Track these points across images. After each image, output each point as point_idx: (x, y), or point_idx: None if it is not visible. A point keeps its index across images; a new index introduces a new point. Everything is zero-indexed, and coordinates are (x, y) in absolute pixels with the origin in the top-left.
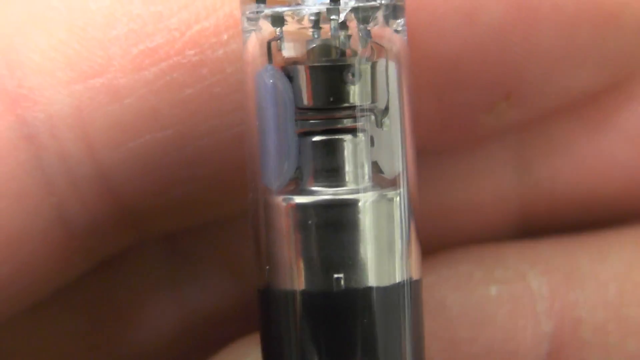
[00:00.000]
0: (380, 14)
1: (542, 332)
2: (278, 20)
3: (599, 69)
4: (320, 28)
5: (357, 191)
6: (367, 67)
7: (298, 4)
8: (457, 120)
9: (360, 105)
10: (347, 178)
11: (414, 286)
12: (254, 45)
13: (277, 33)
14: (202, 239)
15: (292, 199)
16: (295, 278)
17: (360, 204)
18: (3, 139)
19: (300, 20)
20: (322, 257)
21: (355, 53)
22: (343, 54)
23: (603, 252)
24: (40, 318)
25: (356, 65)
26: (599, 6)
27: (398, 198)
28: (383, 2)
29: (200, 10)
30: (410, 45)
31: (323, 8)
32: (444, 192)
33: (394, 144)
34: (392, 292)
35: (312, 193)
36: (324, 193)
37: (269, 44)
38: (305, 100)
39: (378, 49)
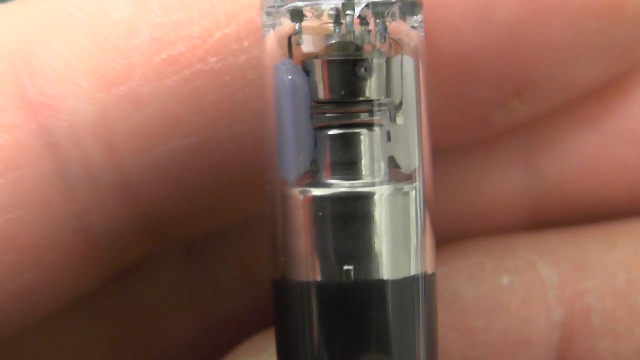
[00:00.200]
0: (396, 10)
1: (553, 320)
2: (297, 15)
3: (604, 61)
4: (340, 23)
5: (372, 184)
6: (381, 62)
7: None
8: (470, 117)
9: (374, 100)
10: (362, 171)
11: (429, 279)
12: (272, 40)
13: (296, 28)
14: (219, 244)
15: (308, 191)
16: (311, 269)
17: (376, 196)
18: (26, 148)
19: (319, 16)
20: (337, 249)
21: (374, 48)
22: (358, 48)
23: (611, 241)
24: (59, 325)
25: (369, 60)
26: None
27: (414, 192)
28: None
29: (221, 18)
30: (428, 42)
31: (339, 3)
32: (454, 192)
33: (410, 139)
34: (407, 285)
35: (328, 186)
36: (340, 186)
37: (289, 38)
38: (320, 93)
39: (395, 45)
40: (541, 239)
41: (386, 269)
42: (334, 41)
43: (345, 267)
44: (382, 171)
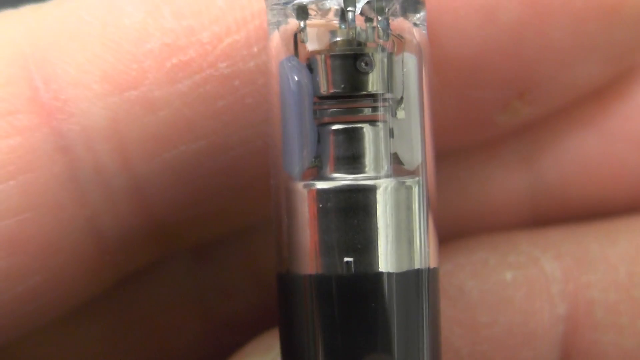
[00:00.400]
0: (398, 7)
1: (557, 314)
2: (302, 13)
3: (604, 62)
4: (345, 20)
5: (376, 178)
6: (382, 57)
7: None
8: (474, 120)
9: (375, 94)
10: (366, 166)
11: (431, 273)
12: (277, 37)
13: (301, 25)
14: (226, 246)
15: (312, 184)
16: (315, 262)
17: (379, 189)
18: (38, 151)
19: (325, 14)
20: (341, 242)
21: (377, 45)
22: (361, 44)
23: (612, 236)
24: (66, 326)
25: (370, 54)
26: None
27: (416, 186)
28: None
29: (231, 24)
30: (431, 40)
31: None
32: (456, 193)
33: (413, 135)
34: (410, 278)
35: (331, 180)
36: (344, 179)
37: (294, 36)
38: (322, 88)
39: (398, 42)
40: (543, 235)
41: (389, 262)
42: (337, 38)
43: (346, 259)
44: (386, 166)
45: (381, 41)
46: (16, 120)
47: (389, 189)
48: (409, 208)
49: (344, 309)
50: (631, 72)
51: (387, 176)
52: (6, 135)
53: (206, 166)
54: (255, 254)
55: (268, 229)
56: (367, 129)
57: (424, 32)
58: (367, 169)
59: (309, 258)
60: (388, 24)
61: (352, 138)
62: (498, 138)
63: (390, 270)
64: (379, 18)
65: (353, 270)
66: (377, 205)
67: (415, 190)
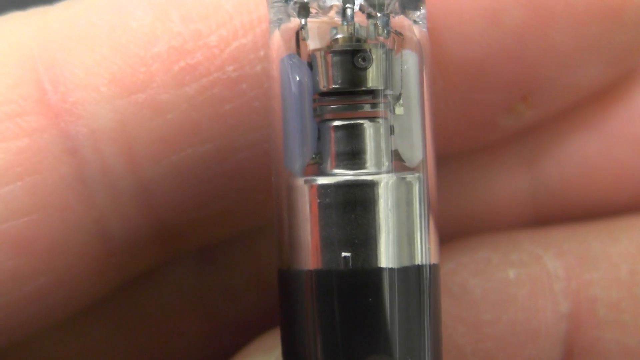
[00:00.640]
0: (397, 4)
1: (560, 312)
2: (303, 11)
3: (605, 64)
4: (345, 17)
5: (377, 173)
6: (380, 53)
7: None
8: (477, 123)
9: (374, 90)
10: (366, 162)
11: (432, 269)
12: (279, 35)
13: (302, 23)
14: (230, 248)
15: (312, 180)
16: (316, 258)
17: (380, 185)
18: (46, 152)
19: (326, 12)
20: (342, 238)
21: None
22: (360, 41)
23: (613, 235)
24: (70, 328)
25: (368, 50)
26: (605, 2)
27: (417, 182)
28: None
29: (238, 28)
30: (435, 43)
31: None
32: (459, 194)
33: (414, 132)
34: (411, 273)
35: (332, 175)
36: (344, 175)
37: (296, 34)
38: (321, 84)
39: (399, 39)
40: (545, 233)
41: (390, 258)
42: (337, 35)
43: (344, 254)
44: (386, 162)
45: (381, 38)
46: (24, 122)
47: (390, 184)
48: (410, 204)
49: (345, 305)
50: (632, 74)
51: (387, 172)
52: (14, 136)
53: (212, 169)
54: (259, 256)
55: (272, 231)
56: (367, 125)
57: (424, 30)
58: (367, 164)
59: (310, 254)
60: (388, 21)
61: (352, 134)
62: (502, 141)
63: (391, 266)
64: (379, 15)
65: (352, 265)
66: (378, 200)
67: (416, 186)
